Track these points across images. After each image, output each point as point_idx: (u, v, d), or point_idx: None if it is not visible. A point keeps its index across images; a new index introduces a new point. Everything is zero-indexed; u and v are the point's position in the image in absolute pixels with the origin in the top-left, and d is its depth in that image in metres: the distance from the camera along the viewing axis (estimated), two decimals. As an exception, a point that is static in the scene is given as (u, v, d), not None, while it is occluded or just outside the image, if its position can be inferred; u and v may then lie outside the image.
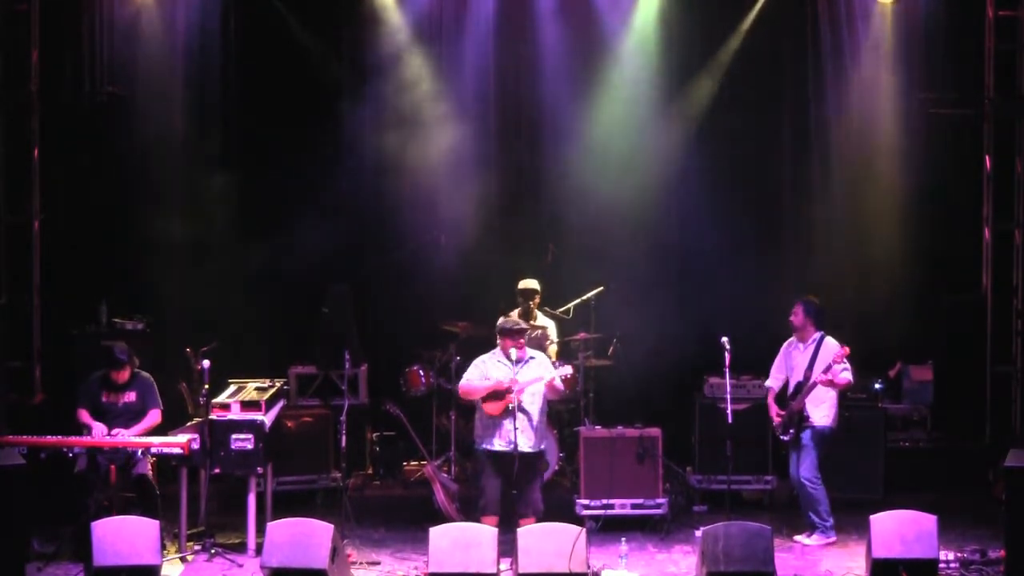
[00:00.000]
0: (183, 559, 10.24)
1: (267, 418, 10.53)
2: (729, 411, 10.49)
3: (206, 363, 10.38)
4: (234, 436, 10.35)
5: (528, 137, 13.76)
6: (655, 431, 11.32)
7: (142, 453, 10.25)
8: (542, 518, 10.06)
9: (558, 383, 10.32)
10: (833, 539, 10.75)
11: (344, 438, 10.76)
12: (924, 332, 13.21)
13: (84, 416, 10.45)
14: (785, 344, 11.10)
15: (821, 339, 10.89)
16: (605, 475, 11.19)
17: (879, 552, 9.37)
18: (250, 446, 10.35)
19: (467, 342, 12.29)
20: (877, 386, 12.72)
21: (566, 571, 9.27)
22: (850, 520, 11.04)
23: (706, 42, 13.49)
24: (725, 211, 13.27)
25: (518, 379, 10.14)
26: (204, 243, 13.11)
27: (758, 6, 13.41)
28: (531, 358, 10.35)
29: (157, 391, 10.68)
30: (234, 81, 13.41)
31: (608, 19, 13.52)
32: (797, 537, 10.84)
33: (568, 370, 10.60)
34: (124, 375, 10.52)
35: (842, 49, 13.41)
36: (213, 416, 10.38)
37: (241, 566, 10.14)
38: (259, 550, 9.73)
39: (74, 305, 12.81)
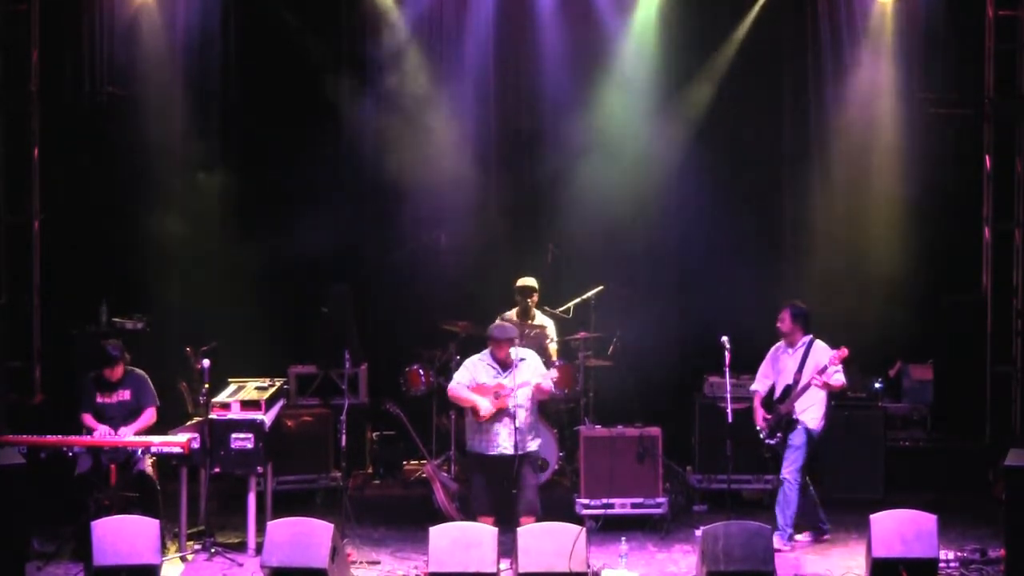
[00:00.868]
0: (183, 559, 10.23)
1: (267, 418, 10.52)
2: (729, 411, 10.46)
3: (206, 363, 10.38)
4: (234, 436, 10.35)
5: (528, 137, 13.76)
6: (655, 431, 11.32)
7: (142, 452, 10.25)
8: (541, 518, 10.05)
9: (546, 385, 10.30)
10: (788, 548, 10.54)
11: (344, 438, 10.74)
12: (924, 332, 13.21)
13: (88, 420, 10.43)
14: (772, 348, 11.00)
15: (811, 343, 10.79)
16: (605, 475, 11.19)
17: (879, 551, 9.37)
18: (250, 445, 10.35)
19: (467, 342, 12.29)
20: (877, 386, 12.73)
21: (566, 571, 9.26)
22: (850, 520, 11.03)
23: (706, 42, 13.48)
24: (725, 211, 13.28)
25: (505, 384, 10.14)
26: (204, 243, 13.12)
27: (758, 6, 13.41)
28: (521, 360, 10.29)
29: (152, 388, 10.65)
30: (234, 81, 13.42)
31: (608, 19, 13.52)
32: (798, 536, 10.82)
33: (553, 374, 10.61)
34: (117, 372, 10.49)
35: (842, 49, 13.41)
36: (213, 415, 10.37)
37: (241, 565, 10.13)
38: (259, 549, 9.73)
39: (74, 305, 12.81)
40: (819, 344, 10.79)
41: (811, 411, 10.71)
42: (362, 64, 13.52)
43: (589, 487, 11.24)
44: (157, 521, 9.58)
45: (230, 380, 11.20)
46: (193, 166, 13.25)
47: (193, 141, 13.25)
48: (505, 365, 10.22)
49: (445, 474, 11.62)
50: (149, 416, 10.54)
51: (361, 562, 10.23)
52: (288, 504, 11.20)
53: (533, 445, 10.32)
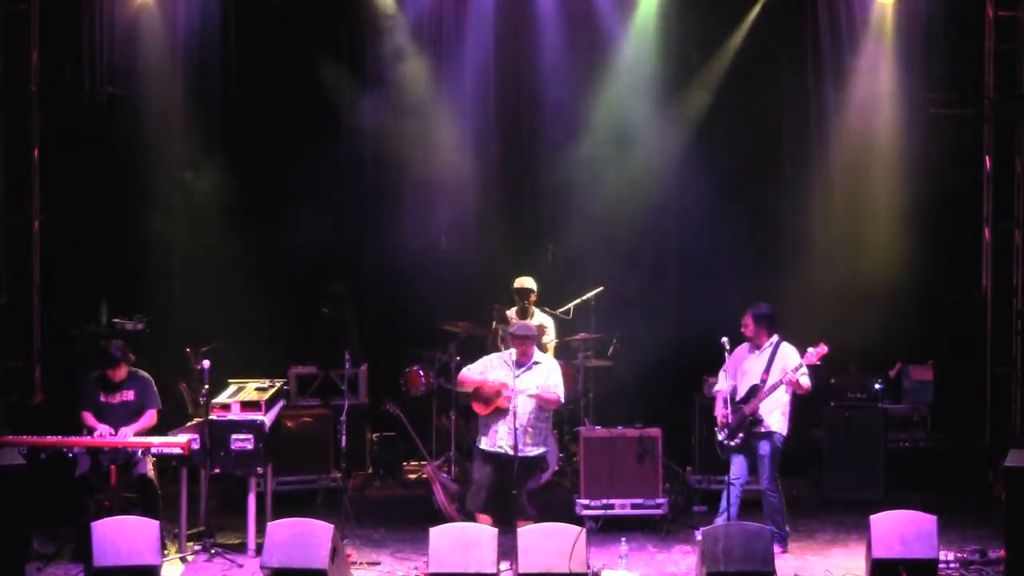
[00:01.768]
0: (183, 559, 10.23)
1: (267, 418, 10.52)
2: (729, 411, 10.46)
3: (206, 363, 10.37)
4: (234, 436, 10.34)
5: (528, 137, 13.75)
6: (655, 431, 11.32)
7: (142, 453, 10.24)
8: (539, 519, 10.02)
9: (548, 396, 10.25)
10: (784, 550, 10.50)
11: (344, 438, 10.75)
12: (924, 332, 13.20)
13: (89, 419, 10.41)
14: (737, 348, 10.78)
15: (778, 344, 10.63)
16: (605, 475, 11.19)
17: (879, 552, 9.37)
18: (250, 446, 10.34)
19: (467, 342, 12.30)
20: (877, 386, 12.71)
21: (566, 571, 9.26)
22: (850, 520, 11.04)
23: (706, 43, 13.48)
24: (725, 211, 13.28)
25: (508, 384, 10.15)
26: (204, 243, 13.10)
27: (758, 6, 13.40)
28: (536, 363, 10.31)
29: (156, 390, 10.65)
30: (234, 81, 13.42)
31: (608, 19, 13.52)
32: None
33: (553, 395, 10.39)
34: (120, 372, 10.48)
35: (842, 49, 13.41)
36: (213, 416, 10.37)
37: (241, 566, 10.14)
38: (259, 550, 9.72)
39: (74, 305, 12.80)
40: (787, 345, 10.63)
41: (775, 414, 10.52)
42: (362, 64, 13.52)
43: (589, 488, 11.24)
44: (157, 522, 9.57)
45: (230, 381, 11.19)
46: (193, 166, 13.24)
47: (193, 141, 13.25)
48: (521, 365, 10.24)
49: (445, 475, 11.62)
50: (150, 418, 10.52)
51: (361, 563, 10.23)
52: (288, 505, 11.19)
53: (533, 451, 10.28)
